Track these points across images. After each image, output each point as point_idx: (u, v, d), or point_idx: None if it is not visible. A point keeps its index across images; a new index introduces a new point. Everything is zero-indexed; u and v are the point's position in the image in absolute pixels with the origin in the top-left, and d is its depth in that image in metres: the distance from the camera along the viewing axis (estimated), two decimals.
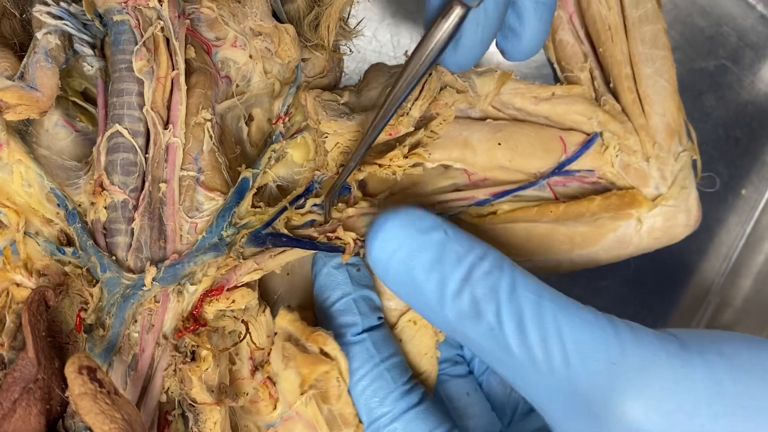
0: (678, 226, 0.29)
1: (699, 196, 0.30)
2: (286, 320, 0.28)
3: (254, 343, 0.27)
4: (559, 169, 0.29)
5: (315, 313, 0.30)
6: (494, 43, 0.26)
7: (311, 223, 0.28)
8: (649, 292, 0.43)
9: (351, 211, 0.28)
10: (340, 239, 0.27)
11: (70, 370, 0.22)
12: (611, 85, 0.30)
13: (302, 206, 0.28)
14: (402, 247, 0.24)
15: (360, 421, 0.27)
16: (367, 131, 0.25)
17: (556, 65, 0.31)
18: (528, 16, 0.25)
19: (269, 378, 0.29)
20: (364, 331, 0.28)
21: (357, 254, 0.28)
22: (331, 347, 0.26)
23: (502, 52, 0.26)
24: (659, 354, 0.21)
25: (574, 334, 0.22)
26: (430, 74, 0.28)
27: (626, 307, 0.43)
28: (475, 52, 0.24)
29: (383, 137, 0.28)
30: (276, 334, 0.28)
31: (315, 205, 0.28)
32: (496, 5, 0.23)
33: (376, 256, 0.25)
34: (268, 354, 0.29)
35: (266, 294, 0.31)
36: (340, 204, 0.28)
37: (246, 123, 0.30)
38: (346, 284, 0.28)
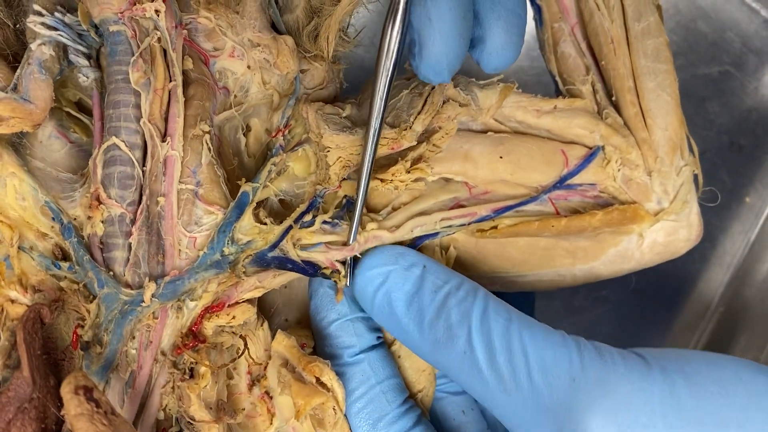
0: (679, 241, 0.29)
1: (701, 207, 0.30)
2: (282, 345, 0.27)
3: (252, 358, 0.27)
4: (561, 183, 0.29)
5: (312, 331, 0.29)
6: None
7: (322, 245, 0.27)
8: (650, 302, 0.43)
9: (366, 236, 0.27)
10: (339, 272, 0.27)
11: (66, 390, 0.21)
12: (613, 98, 0.29)
13: (311, 224, 0.27)
14: (385, 282, 0.26)
15: None
16: (365, 147, 0.25)
17: (557, 78, 0.31)
18: (489, 24, 0.25)
19: (266, 393, 0.28)
20: (361, 352, 0.28)
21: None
22: (328, 377, 0.26)
23: (477, 63, 0.26)
24: (618, 368, 0.22)
25: (539, 353, 0.23)
26: (433, 87, 0.28)
27: (627, 317, 0.43)
28: (441, 56, 0.24)
29: (385, 151, 0.27)
30: (272, 353, 0.28)
31: (324, 222, 0.27)
32: (450, 6, 0.23)
33: (361, 290, 0.27)
34: (265, 368, 0.28)
35: (264, 306, 0.30)
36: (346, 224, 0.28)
37: (243, 134, 0.29)
38: (342, 305, 0.28)
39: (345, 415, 0.27)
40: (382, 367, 0.28)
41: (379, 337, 0.29)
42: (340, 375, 0.27)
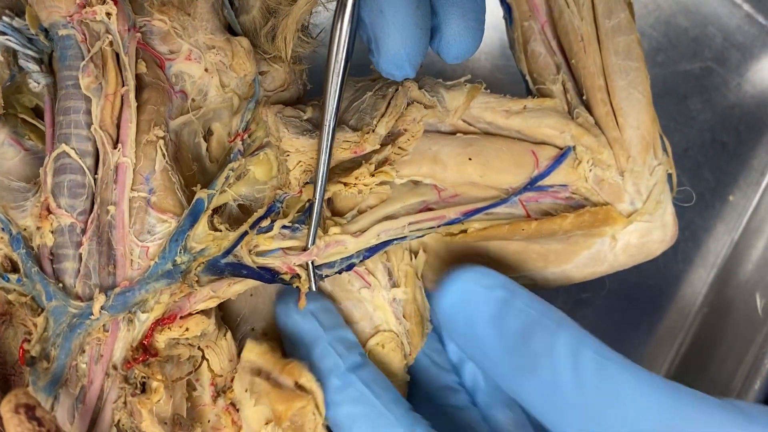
0: (654, 243, 0.28)
1: (679, 207, 0.29)
2: (254, 353, 0.26)
3: (212, 371, 0.26)
4: (532, 185, 0.28)
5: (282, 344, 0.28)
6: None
7: (280, 251, 0.26)
8: (633, 304, 0.42)
9: (327, 240, 0.26)
10: (299, 277, 0.26)
11: (6, 408, 0.21)
12: (584, 97, 0.28)
13: (269, 229, 0.26)
14: (468, 301, 0.26)
15: None
16: (319, 150, 0.24)
17: (527, 77, 0.30)
18: (443, 11, 0.24)
19: (232, 404, 0.27)
20: (348, 370, 0.27)
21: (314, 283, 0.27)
22: (307, 379, 0.25)
23: (438, 54, 0.25)
24: (724, 424, 0.21)
25: (633, 394, 0.22)
26: (397, 89, 0.27)
27: (609, 319, 0.42)
28: (399, 48, 0.23)
29: (348, 155, 0.27)
30: (240, 363, 0.27)
31: (284, 227, 0.26)
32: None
33: (444, 309, 0.27)
34: (231, 380, 0.28)
35: (229, 316, 0.29)
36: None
37: (205, 138, 0.28)
38: (316, 330, 0.27)
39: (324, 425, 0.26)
40: (376, 383, 0.27)
41: (361, 354, 0.28)
42: None
